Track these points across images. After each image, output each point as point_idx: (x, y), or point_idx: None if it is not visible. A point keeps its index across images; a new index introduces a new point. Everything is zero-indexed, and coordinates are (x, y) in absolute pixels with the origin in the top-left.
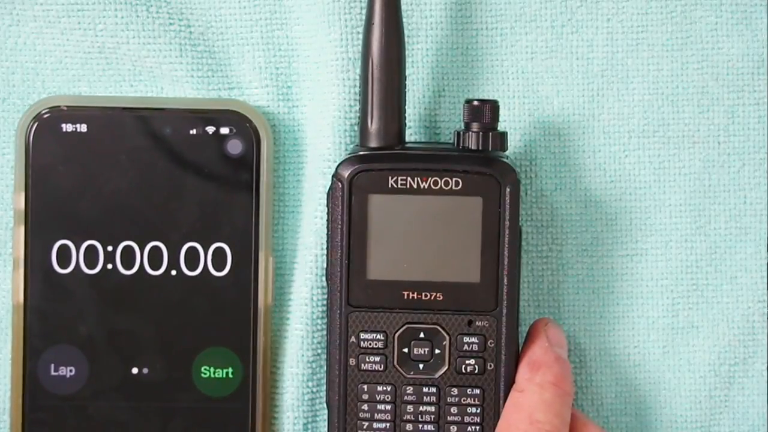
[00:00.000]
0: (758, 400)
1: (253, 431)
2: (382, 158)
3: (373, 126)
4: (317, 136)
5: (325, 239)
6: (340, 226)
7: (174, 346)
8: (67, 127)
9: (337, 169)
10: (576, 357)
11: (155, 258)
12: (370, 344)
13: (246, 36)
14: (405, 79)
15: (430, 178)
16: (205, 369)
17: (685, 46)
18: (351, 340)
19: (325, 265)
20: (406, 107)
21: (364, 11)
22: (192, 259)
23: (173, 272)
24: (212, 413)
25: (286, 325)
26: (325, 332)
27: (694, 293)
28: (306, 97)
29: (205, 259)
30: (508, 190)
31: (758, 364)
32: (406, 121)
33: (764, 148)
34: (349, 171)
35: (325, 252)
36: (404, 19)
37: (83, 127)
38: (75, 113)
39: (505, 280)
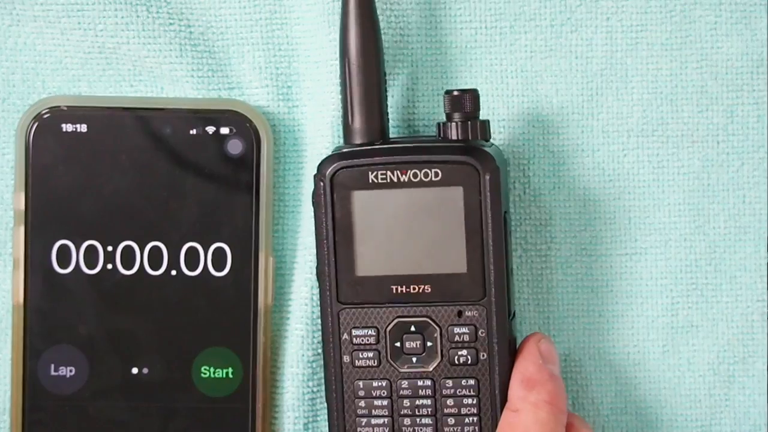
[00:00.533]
0: (759, 400)
1: (253, 431)
2: (361, 154)
3: (355, 123)
4: (317, 135)
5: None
6: (325, 224)
7: (174, 346)
8: (67, 127)
9: (318, 167)
10: (576, 356)
11: (155, 258)
12: (362, 340)
13: (246, 36)
14: (384, 75)
15: (409, 171)
16: (205, 369)
17: (684, 45)
18: (343, 337)
19: None
20: (406, 106)
21: None
22: (192, 259)
23: (173, 272)
24: (212, 413)
25: (286, 325)
26: None
27: (694, 292)
28: (306, 97)
29: (205, 259)
30: (487, 177)
31: (758, 363)
32: (404, 120)
33: (763, 148)
34: (330, 169)
35: None
36: (403, 18)
37: (83, 127)
38: (75, 113)
39: (492, 268)
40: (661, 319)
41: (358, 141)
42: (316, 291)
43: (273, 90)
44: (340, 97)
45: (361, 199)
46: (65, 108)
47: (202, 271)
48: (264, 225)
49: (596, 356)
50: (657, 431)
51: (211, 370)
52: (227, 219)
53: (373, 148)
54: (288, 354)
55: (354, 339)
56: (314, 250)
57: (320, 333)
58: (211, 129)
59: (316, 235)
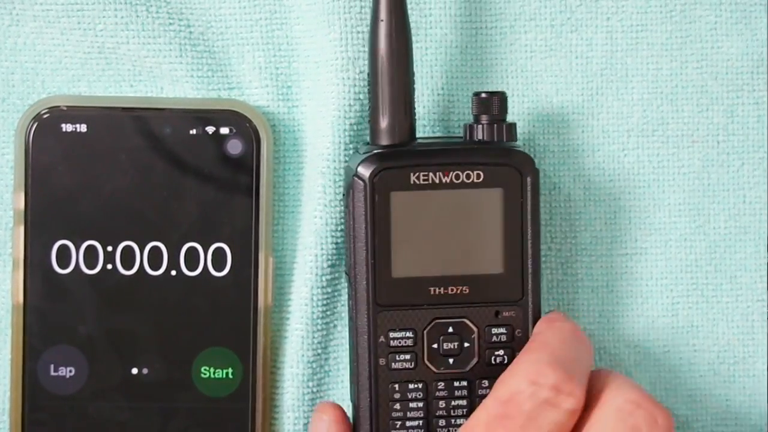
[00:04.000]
0: (759, 400)
1: (253, 431)
2: (403, 156)
3: (385, 123)
4: (317, 135)
5: (329, 239)
6: (363, 226)
7: (174, 346)
8: (67, 127)
9: (357, 168)
10: None
11: (155, 258)
12: (399, 343)
13: (246, 36)
14: (413, 75)
15: (451, 173)
16: (205, 369)
17: (684, 45)
18: (380, 340)
19: (325, 265)
20: None
21: (363, 11)
22: (192, 259)
23: (173, 272)
24: (212, 413)
25: (286, 325)
26: (325, 332)
27: (694, 292)
28: (306, 97)
29: (205, 259)
30: (528, 179)
31: (758, 363)
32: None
33: (763, 147)
34: (371, 170)
35: (324, 252)
36: None
37: (83, 127)
38: (75, 113)
39: (530, 269)
40: (661, 319)
41: (387, 141)
42: (317, 291)
43: (273, 90)
44: (344, 96)
45: (400, 200)
46: (65, 108)
47: (202, 271)
48: (264, 225)
49: (596, 356)
50: None
51: (211, 370)
52: (227, 219)
53: (415, 150)
54: (288, 354)
55: (391, 341)
56: (314, 250)
57: (320, 333)
58: (210, 129)
59: (350, 236)
